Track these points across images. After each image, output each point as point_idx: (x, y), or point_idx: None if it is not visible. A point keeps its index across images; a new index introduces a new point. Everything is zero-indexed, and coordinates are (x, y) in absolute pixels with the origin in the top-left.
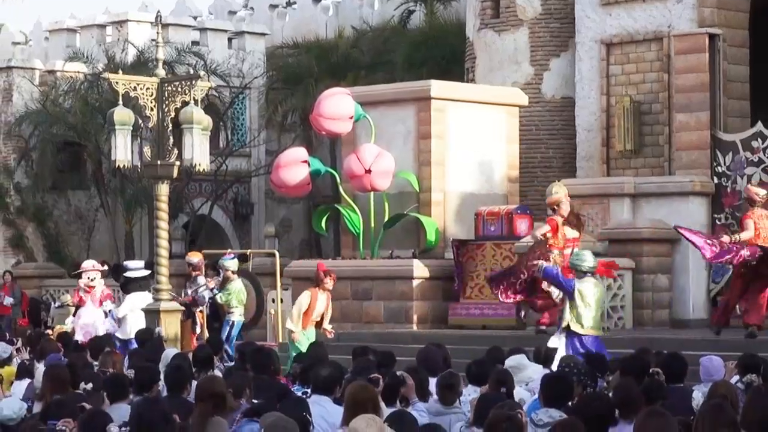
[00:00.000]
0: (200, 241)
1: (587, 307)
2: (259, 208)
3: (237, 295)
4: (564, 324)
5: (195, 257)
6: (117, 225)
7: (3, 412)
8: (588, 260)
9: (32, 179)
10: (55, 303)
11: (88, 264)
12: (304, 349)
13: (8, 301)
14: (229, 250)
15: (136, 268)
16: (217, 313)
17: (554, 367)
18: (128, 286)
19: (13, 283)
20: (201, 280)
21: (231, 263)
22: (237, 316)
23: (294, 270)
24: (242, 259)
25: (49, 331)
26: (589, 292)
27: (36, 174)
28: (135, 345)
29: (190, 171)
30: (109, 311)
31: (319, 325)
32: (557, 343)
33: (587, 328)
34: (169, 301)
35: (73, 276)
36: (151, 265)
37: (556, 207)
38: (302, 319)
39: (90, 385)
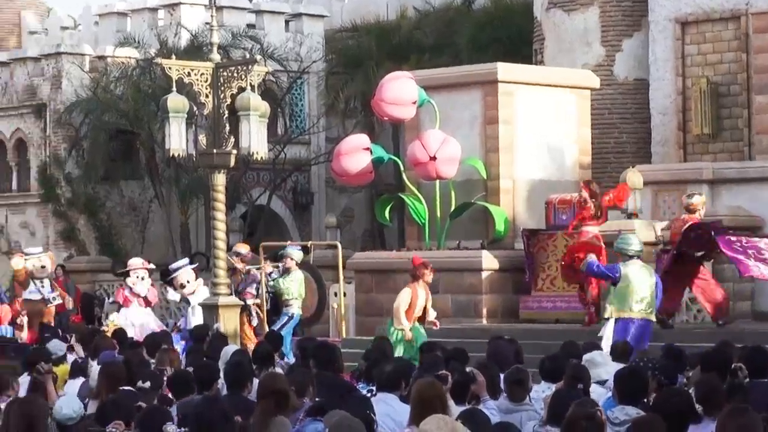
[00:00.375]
0: (258, 232)
1: (634, 290)
2: (319, 197)
3: (298, 285)
4: (607, 314)
5: (243, 248)
6: (172, 216)
7: (62, 411)
8: (634, 244)
9: (83, 169)
10: (109, 298)
11: (136, 262)
12: (417, 345)
13: (52, 298)
14: (289, 242)
15: (181, 266)
16: (279, 307)
17: (605, 350)
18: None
19: (66, 277)
20: (253, 273)
21: (296, 253)
22: (295, 308)
23: (357, 262)
24: (303, 251)
25: (104, 327)
26: (635, 275)
27: (87, 164)
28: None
29: (247, 159)
30: (179, 302)
31: (422, 319)
32: (604, 332)
33: (636, 311)
34: (227, 295)
35: (119, 275)
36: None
37: (692, 209)
38: (406, 316)
39: (147, 384)
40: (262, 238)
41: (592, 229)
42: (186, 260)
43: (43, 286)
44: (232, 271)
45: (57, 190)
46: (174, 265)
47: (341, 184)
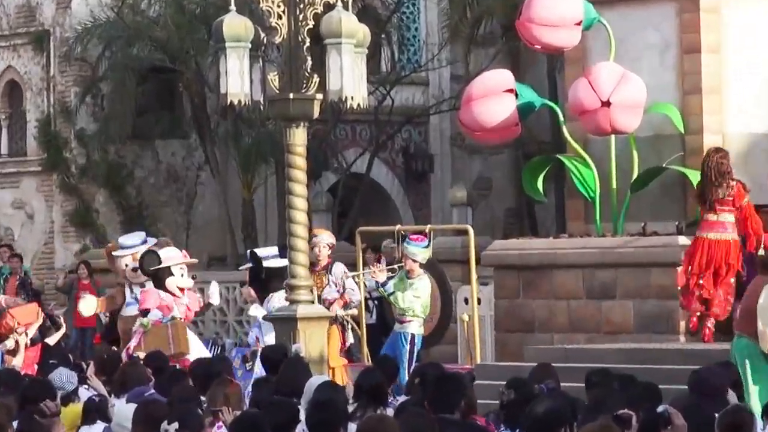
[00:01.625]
0: (354, 212)
1: None
2: (441, 162)
3: (424, 302)
4: None
5: (327, 235)
6: (230, 191)
7: None
8: None
9: (102, 124)
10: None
11: (173, 254)
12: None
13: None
14: (399, 227)
15: (271, 255)
16: (386, 321)
17: None
18: (271, 281)
19: (90, 278)
20: (338, 270)
21: (420, 250)
22: (416, 327)
23: (496, 255)
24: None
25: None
26: None
27: (108, 116)
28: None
29: (337, 108)
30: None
31: None
32: None
33: None
34: (310, 303)
35: (152, 272)
36: (283, 250)
37: None
38: None
39: None
40: (359, 221)
41: None
42: (274, 250)
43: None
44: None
45: (65, 154)
46: (262, 253)
47: (473, 142)
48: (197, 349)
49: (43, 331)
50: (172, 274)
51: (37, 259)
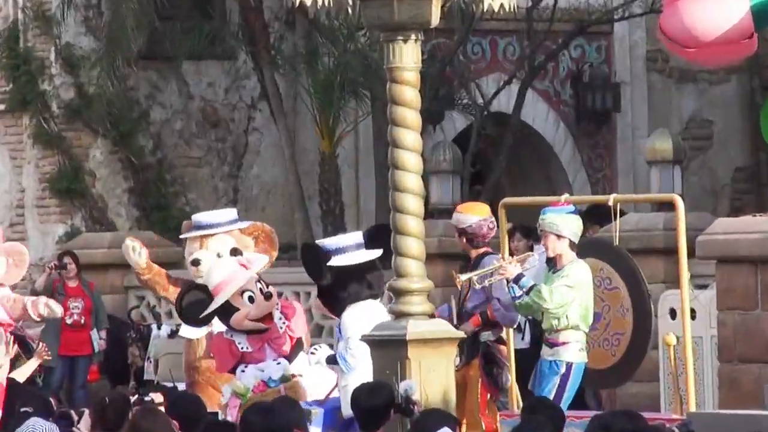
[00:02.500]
0: (495, 174)
1: None
2: (632, 95)
3: (583, 303)
4: None
5: (471, 212)
6: (301, 142)
7: None
8: None
9: (102, 39)
10: (159, 326)
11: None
12: None
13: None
14: (565, 196)
15: (346, 246)
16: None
17: None
18: (346, 287)
19: (79, 278)
20: (490, 262)
21: (564, 219)
22: (575, 351)
23: (719, 241)
24: (593, 216)
25: (153, 395)
26: None
27: (110, 27)
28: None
29: (469, 13)
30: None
31: None
32: None
33: None
34: (428, 316)
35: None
36: (378, 234)
37: None
38: None
39: None
40: (504, 188)
41: None
42: (356, 236)
43: None
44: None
45: (42, 86)
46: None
47: (683, 63)
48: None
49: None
50: (236, 309)
51: None
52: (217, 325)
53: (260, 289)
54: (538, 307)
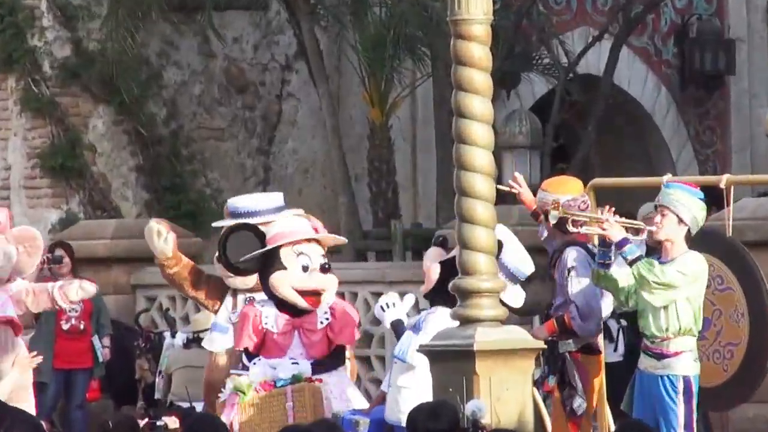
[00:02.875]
0: (582, 149)
1: None
2: (749, 56)
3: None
4: None
5: (561, 189)
6: (346, 110)
7: None
8: None
9: None
10: (174, 334)
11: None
12: None
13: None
14: (667, 176)
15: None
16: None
17: None
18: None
19: (73, 274)
20: (570, 257)
21: (695, 208)
22: (690, 363)
23: None
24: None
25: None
26: None
27: None
28: None
29: None
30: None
31: None
32: None
33: None
34: (497, 323)
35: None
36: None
37: None
38: None
39: None
40: (593, 167)
41: None
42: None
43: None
44: None
45: (31, 41)
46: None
47: None
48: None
49: None
50: (283, 267)
51: None
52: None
53: (321, 265)
54: (627, 286)
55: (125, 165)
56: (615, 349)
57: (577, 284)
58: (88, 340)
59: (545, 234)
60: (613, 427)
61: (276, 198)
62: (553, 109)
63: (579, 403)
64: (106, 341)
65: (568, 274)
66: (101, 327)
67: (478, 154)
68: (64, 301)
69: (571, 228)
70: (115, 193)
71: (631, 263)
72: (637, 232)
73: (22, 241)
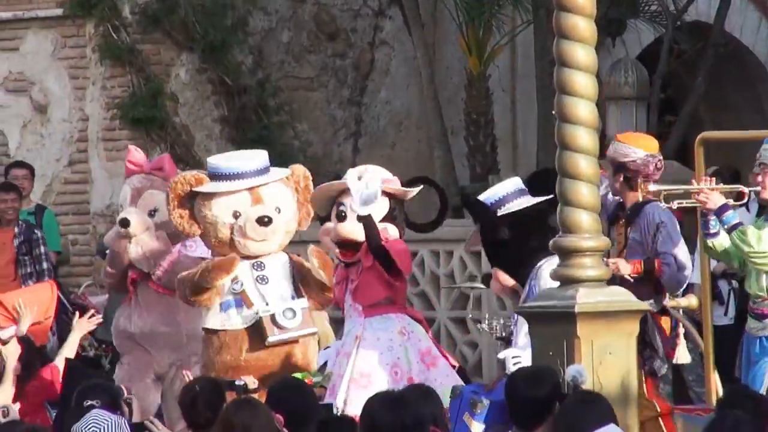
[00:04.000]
0: (692, 102)
1: None
2: None
3: None
4: None
5: (637, 144)
6: (442, 60)
7: None
8: None
9: None
10: None
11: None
12: None
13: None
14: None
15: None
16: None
17: None
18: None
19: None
20: (653, 215)
21: None
22: None
23: None
24: None
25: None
26: None
27: None
28: None
29: None
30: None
31: None
32: None
33: None
34: (602, 283)
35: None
36: (542, 181)
37: None
38: None
39: None
40: (703, 121)
41: None
42: (513, 183)
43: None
44: None
45: None
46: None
47: None
48: None
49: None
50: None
51: (53, 194)
52: None
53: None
54: (736, 252)
55: (209, 116)
56: (725, 312)
57: (668, 238)
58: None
59: (606, 190)
60: (721, 393)
61: (260, 157)
62: (661, 59)
63: (659, 365)
64: None
65: (657, 230)
66: None
67: (581, 106)
68: None
69: (663, 204)
70: (198, 145)
71: (729, 230)
72: (740, 195)
73: None
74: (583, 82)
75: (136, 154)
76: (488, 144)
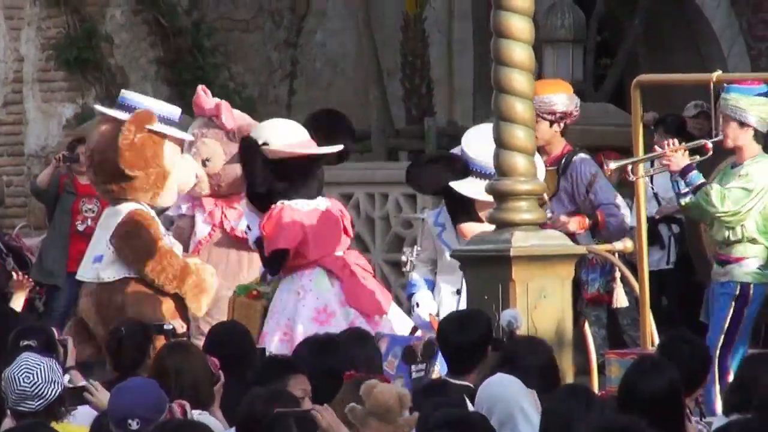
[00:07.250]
0: (627, 45)
1: None
2: None
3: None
4: None
5: (559, 89)
6: (378, 2)
7: None
8: None
9: None
10: None
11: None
12: None
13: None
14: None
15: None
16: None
17: None
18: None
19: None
20: (585, 169)
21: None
22: (753, 271)
23: None
24: None
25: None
26: None
27: None
28: None
29: None
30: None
31: None
32: None
33: None
34: (537, 227)
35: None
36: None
37: None
38: None
39: None
40: (639, 64)
41: None
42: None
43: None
44: None
45: None
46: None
47: None
48: None
49: None
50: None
51: None
52: None
53: None
54: (704, 212)
55: (144, 57)
56: (668, 261)
57: (607, 188)
58: None
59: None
60: (657, 339)
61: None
62: (597, 0)
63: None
64: None
65: (593, 181)
66: None
67: (518, 49)
68: None
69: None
70: (133, 86)
71: (694, 191)
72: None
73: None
74: (519, 25)
75: (203, 95)
76: (424, 86)
